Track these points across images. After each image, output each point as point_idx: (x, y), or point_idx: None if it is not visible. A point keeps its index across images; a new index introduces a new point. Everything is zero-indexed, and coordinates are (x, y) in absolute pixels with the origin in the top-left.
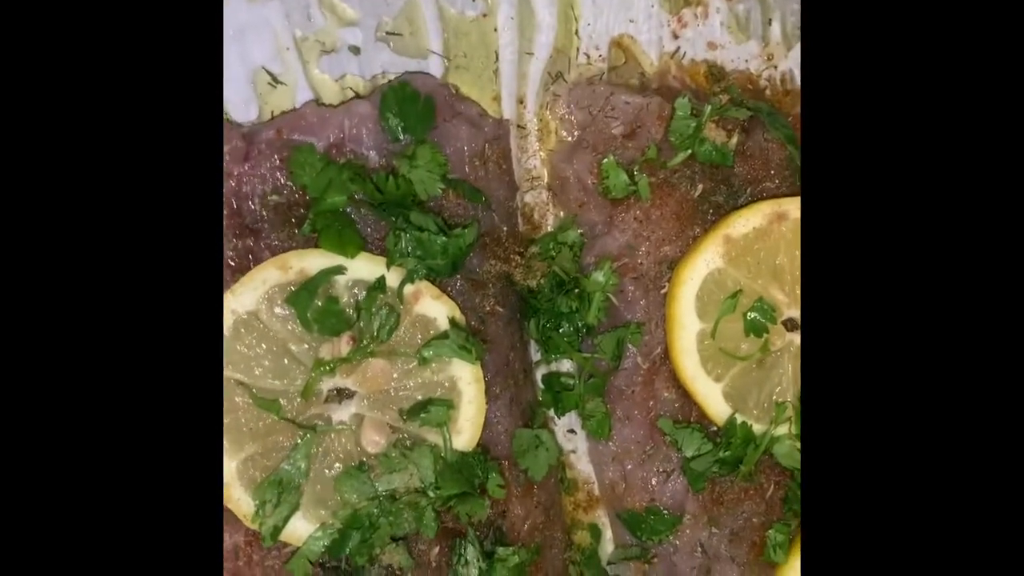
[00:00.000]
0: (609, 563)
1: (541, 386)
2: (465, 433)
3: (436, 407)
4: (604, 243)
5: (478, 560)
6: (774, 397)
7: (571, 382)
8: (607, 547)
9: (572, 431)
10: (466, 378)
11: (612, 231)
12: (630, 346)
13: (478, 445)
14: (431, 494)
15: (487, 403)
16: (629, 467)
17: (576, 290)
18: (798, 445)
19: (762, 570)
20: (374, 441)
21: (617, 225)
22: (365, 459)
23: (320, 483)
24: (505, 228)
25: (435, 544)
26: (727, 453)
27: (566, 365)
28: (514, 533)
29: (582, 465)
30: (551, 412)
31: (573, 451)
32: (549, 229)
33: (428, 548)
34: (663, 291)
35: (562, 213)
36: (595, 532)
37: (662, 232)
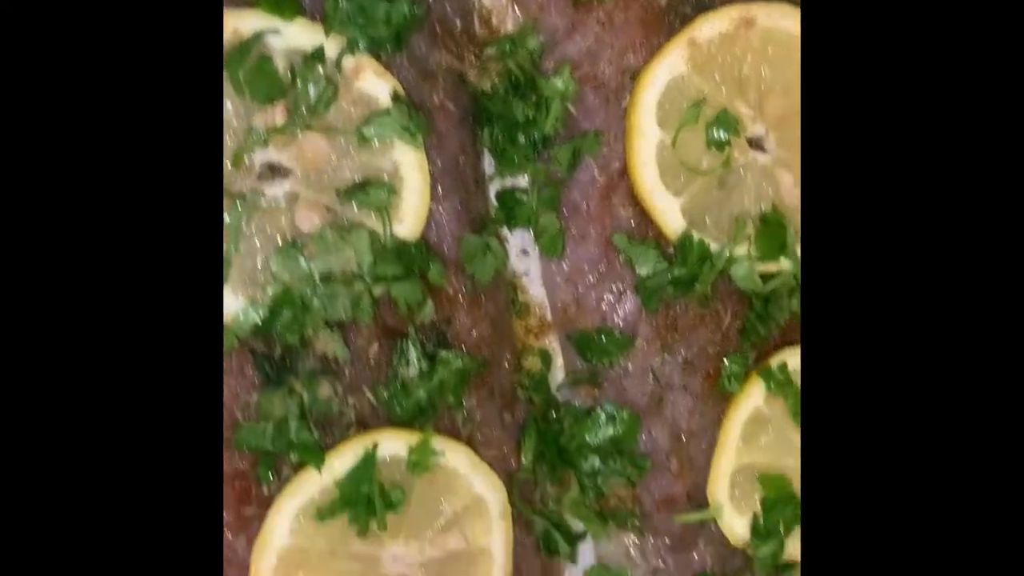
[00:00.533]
0: (558, 389)
1: (495, 204)
2: (407, 223)
3: (376, 189)
4: (564, 48)
5: (419, 360)
6: (735, 218)
7: (525, 197)
8: (557, 375)
9: (525, 252)
10: (409, 163)
11: (573, 35)
12: (588, 157)
13: (421, 239)
14: (368, 279)
15: (433, 204)
16: (581, 288)
17: (533, 97)
18: (757, 267)
19: (716, 402)
20: (309, 218)
21: (578, 29)
22: (299, 239)
23: (250, 260)
24: (459, 22)
25: (374, 341)
26: (682, 271)
27: (522, 183)
28: (459, 343)
29: (535, 289)
30: (504, 230)
31: (526, 274)
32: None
33: (367, 344)
34: (624, 103)
35: (522, 17)
36: (545, 358)
37: (626, 38)
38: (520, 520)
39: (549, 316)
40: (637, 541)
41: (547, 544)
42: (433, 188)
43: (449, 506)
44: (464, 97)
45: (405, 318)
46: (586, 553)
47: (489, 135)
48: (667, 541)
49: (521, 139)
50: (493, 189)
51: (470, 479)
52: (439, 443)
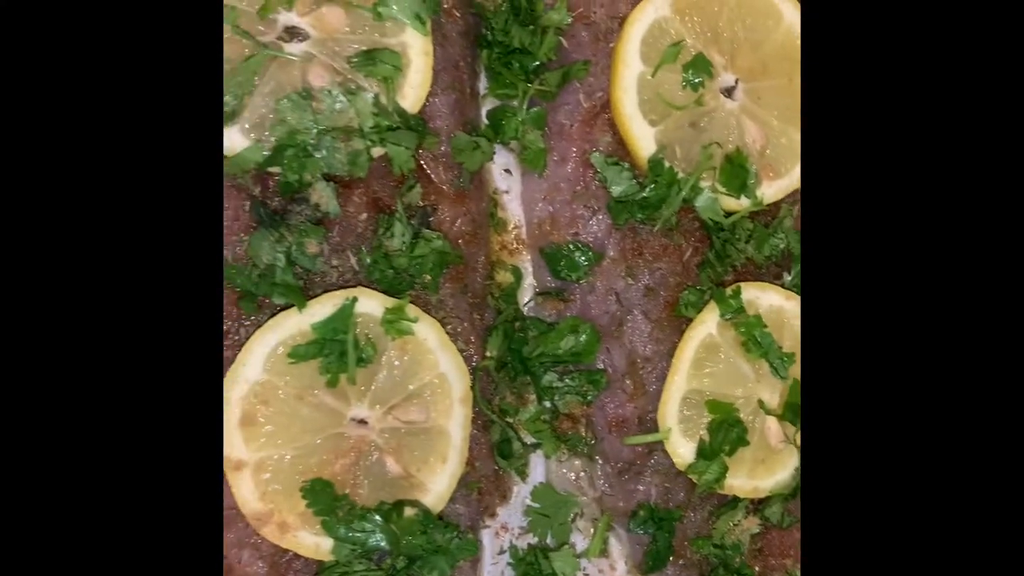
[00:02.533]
0: (526, 305)
1: (486, 121)
2: (408, 100)
3: (384, 61)
4: None
5: (403, 234)
6: (703, 147)
7: (514, 114)
8: (526, 293)
9: (508, 171)
10: (416, 48)
11: None
12: (575, 82)
13: (419, 115)
14: (368, 139)
15: (430, 96)
16: (558, 204)
17: (531, 26)
18: (720, 199)
19: (672, 331)
20: (320, 76)
21: None
22: (309, 92)
23: (263, 107)
24: None
25: (363, 210)
26: (652, 192)
27: (512, 105)
28: (440, 230)
29: (513, 207)
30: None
31: (506, 191)
32: None
33: (356, 212)
34: (611, 44)
35: None
36: (517, 274)
37: None
38: (479, 418)
39: (524, 234)
40: (586, 469)
41: (501, 449)
42: (433, 80)
43: (415, 378)
44: (469, 12)
45: (394, 195)
46: (534, 474)
47: (487, 56)
48: (615, 466)
49: (515, 64)
50: (484, 108)
51: (438, 355)
52: (414, 311)
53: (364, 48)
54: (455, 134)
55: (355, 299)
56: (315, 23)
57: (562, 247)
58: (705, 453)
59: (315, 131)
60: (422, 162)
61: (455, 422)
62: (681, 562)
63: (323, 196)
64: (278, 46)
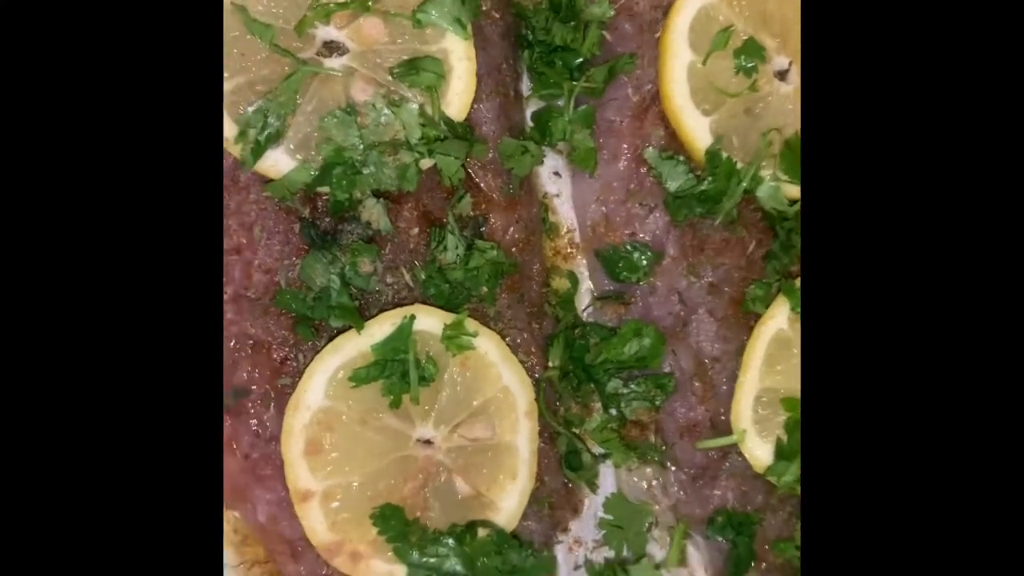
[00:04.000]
0: (584, 310)
1: (531, 124)
2: (453, 107)
3: (427, 67)
4: None
5: (456, 247)
6: (761, 134)
7: (561, 114)
8: (583, 299)
9: (557, 174)
10: (458, 53)
11: None
12: (623, 76)
13: (466, 122)
14: (416, 151)
15: (475, 102)
16: (612, 205)
17: (572, 22)
18: (782, 187)
19: (739, 328)
20: (364, 90)
21: None
22: (353, 107)
23: (307, 126)
24: None
25: (415, 225)
26: (710, 185)
27: (558, 106)
28: (493, 240)
29: (565, 210)
30: None
31: (557, 195)
32: None
33: (408, 227)
34: (656, 34)
35: None
36: (573, 279)
37: None
38: (545, 431)
39: (578, 238)
40: (658, 476)
41: (570, 461)
42: (477, 85)
43: (479, 394)
44: (509, 15)
45: (444, 207)
46: (605, 485)
47: (529, 56)
48: (689, 472)
49: (558, 62)
50: (529, 110)
51: (500, 369)
52: (473, 325)
53: (405, 57)
54: (502, 139)
55: (413, 317)
56: (353, 35)
57: (619, 248)
58: (784, 453)
59: (362, 147)
60: (470, 171)
61: (522, 436)
62: (764, 566)
63: (374, 213)
64: (318, 62)
